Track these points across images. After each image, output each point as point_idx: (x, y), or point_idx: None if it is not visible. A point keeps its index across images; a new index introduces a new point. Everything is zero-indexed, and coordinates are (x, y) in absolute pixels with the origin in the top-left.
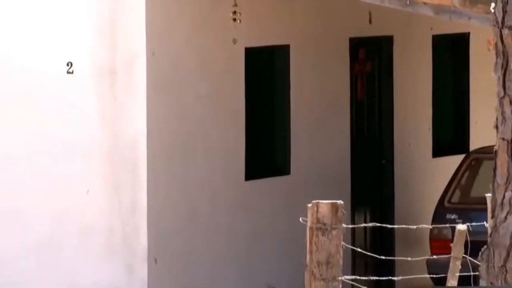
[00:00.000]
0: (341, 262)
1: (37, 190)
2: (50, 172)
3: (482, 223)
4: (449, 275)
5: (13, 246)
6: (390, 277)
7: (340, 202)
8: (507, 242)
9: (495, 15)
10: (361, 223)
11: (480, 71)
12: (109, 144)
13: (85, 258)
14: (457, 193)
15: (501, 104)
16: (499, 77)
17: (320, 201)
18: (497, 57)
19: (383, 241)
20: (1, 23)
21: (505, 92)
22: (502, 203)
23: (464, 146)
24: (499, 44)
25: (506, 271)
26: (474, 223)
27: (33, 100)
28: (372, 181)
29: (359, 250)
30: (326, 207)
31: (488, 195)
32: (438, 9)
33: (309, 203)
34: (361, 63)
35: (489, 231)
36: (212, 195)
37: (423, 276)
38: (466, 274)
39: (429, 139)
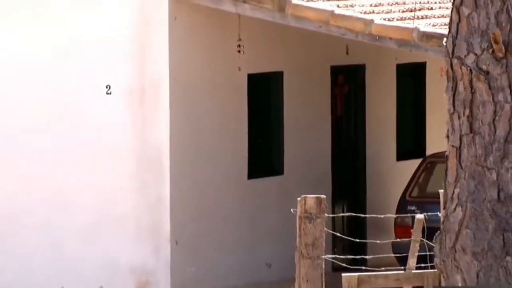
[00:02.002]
0: (324, 244)
1: (83, 187)
2: (93, 172)
3: (436, 213)
4: (409, 254)
5: (64, 231)
6: (363, 256)
7: (323, 196)
8: (456, 228)
9: (446, 48)
10: (340, 213)
11: (434, 92)
12: (139, 150)
13: (120, 241)
14: (416, 189)
15: (451, 118)
16: (449, 97)
17: (307, 195)
18: (448, 81)
19: (357, 227)
20: (55, 53)
21: (454, 109)
22: (452, 197)
23: (421, 152)
24: (450, 71)
25: (455, 251)
26: (429, 213)
27: (80, 115)
28: (348, 180)
29: (338, 234)
30: (312, 200)
31: (441, 191)
32: (401, 43)
33: (299, 197)
34: (340, 86)
35: (441, 219)
36: (221, 191)
37: (389, 255)
38: (423, 253)
39: (394, 146)
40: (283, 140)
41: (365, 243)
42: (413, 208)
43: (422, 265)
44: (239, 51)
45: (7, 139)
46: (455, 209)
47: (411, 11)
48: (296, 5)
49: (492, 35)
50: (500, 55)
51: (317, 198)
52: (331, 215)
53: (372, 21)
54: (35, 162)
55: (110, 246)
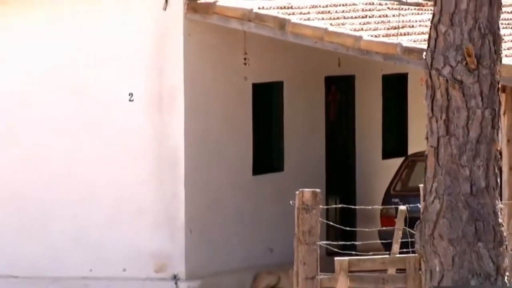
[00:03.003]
0: (318, 232)
1: (108, 182)
2: (117, 170)
3: (416, 205)
4: (393, 241)
5: (92, 221)
6: (353, 242)
7: (318, 190)
8: (434, 218)
9: (426, 60)
10: (333, 205)
11: (415, 99)
12: (157, 150)
13: (140, 230)
14: (399, 184)
15: (429, 122)
16: (428, 103)
17: (304, 189)
18: (427, 90)
19: (348, 217)
20: (85, 65)
21: (432, 114)
22: (430, 191)
23: (404, 152)
24: (429, 80)
25: (434, 238)
26: (411, 205)
27: (106, 119)
28: (340, 176)
29: (331, 223)
30: (308, 194)
31: (421, 185)
32: (386, 57)
33: (297, 191)
34: (333, 94)
35: (421, 210)
36: (229, 185)
37: (375, 241)
38: (406, 240)
39: (380, 146)
40: (283, 141)
41: (355, 231)
42: (396, 200)
43: (405, 250)
44: (245, 63)
45: (41, 141)
46: (433, 201)
47: (395, 28)
48: (295, 24)
49: (466, 49)
50: (473, 67)
51: (313, 191)
52: (325, 207)
53: (361, 37)
54: (65, 161)
55: (132, 234)
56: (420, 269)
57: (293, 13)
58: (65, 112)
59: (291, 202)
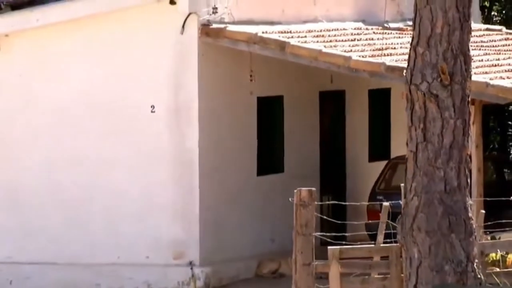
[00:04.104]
0: (314, 224)
1: (133, 181)
2: (140, 171)
3: (398, 202)
4: (378, 232)
5: (119, 214)
6: (343, 234)
7: (313, 189)
8: (413, 213)
9: (406, 77)
10: (326, 202)
11: (397, 111)
12: (176, 154)
13: (161, 223)
14: (383, 183)
15: (409, 130)
16: (408, 114)
17: (301, 188)
18: (407, 102)
19: (339, 212)
20: (116, 83)
21: (412, 123)
22: (410, 190)
23: (387, 155)
24: (409, 94)
25: (413, 230)
26: (393, 202)
27: (132, 128)
28: (332, 176)
29: (325, 217)
30: (305, 192)
31: (402, 184)
32: (372, 74)
33: (295, 189)
34: (326, 106)
35: (402, 206)
36: (237, 184)
37: (363, 233)
38: (389, 232)
39: (366, 151)
40: (284, 146)
41: (345, 223)
42: (381, 197)
43: (388, 240)
44: (251, 80)
45: (80, 147)
46: (412, 198)
47: (379, 50)
48: (293, 46)
49: (440, 68)
50: (446, 83)
51: (309, 190)
52: (319, 203)
53: (350, 57)
54: (100, 164)
55: (154, 226)
56: (401, 256)
57: (292, 37)
58: (99, 122)
59: (290, 199)
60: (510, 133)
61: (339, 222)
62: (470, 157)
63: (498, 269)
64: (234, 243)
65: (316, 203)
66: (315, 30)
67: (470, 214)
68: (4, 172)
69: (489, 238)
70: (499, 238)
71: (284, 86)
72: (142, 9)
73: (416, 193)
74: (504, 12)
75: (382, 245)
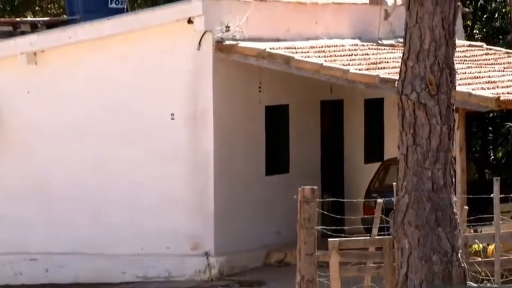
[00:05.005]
0: (316, 219)
1: (154, 179)
2: (161, 170)
3: (390, 199)
4: (373, 226)
5: (142, 208)
6: (342, 227)
7: (315, 187)
8: (404, 209)
9: (398, 88)
10: (327, 198)
11: (389, 118)
12: (192, 156)
13: (179, 217)
14: (378, 182)
15: (400, 135)
16: (399, 120)
17: (305, 187)
18: (398, 110)
19: (338, 208)
20: (139, 93)
21: (403, 129)
22: (401, 188)
23: (381, 157)
24: (400, 103)
25: (404, 224)
26: (386, 199)
27: (154, 133)
28: (332, 176)
29: (326, 212)
30: (308, 190)
31: (394, 183)
32: (368, 85)
33: (299, 188)
34: (326, 114)
35: (394, 203)
36: (247, 183)
37: (359, 226)
38: (382, 225)
39: (362, 153)
40: (289, 149)
41: (343, 218)
42: (375, 195)
43: (382, 233)
44: (259, 91)
45: (105, 149)
46: (403, 196)
47: (374, 63)
48: (298, 60)
49: (428, 79)
50: (433, 92)
51: (311, 188)
52: (320, 200)
53: (348, 70)
54: (124, 164)
55: (173, 220)
56: (393, 247)
57: (296, 52)
58: (124, 128)
59: (294, 196)
60: (490, 137)
61: (338, 217)
62: (455, 158)
63: (480, 259)
64: (245, 235)
65: (317, 200)
66: (316, 46)
67: (455, 210)
68: (38, 172)
69: (472, 231)
70: (481, 231)
71: (289, 96)
72: (162, 28)
73: (407, 191)
74: (484, 30)
75: (376, 237)
